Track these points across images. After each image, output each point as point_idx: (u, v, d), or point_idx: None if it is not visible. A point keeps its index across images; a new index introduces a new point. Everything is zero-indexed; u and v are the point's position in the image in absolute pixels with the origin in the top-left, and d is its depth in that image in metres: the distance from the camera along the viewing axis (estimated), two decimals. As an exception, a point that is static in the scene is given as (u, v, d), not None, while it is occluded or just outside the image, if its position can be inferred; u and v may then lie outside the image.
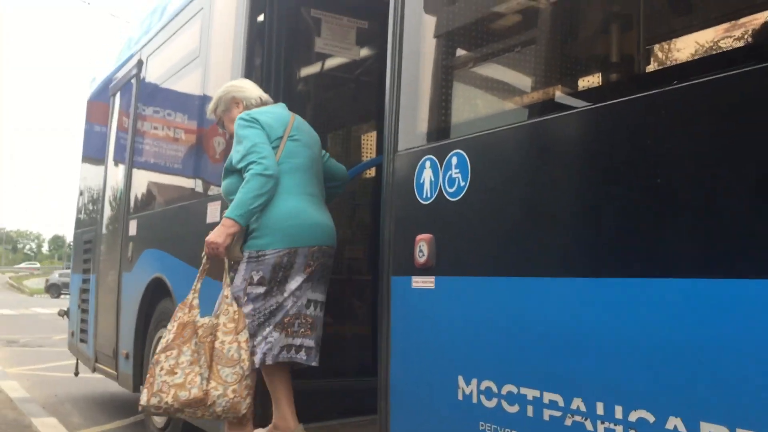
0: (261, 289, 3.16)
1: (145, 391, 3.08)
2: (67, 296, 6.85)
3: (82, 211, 7.52)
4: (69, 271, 7.10)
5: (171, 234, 4.77)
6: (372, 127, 5.02)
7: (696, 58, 2.68)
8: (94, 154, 7.33)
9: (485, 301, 2.18)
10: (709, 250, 1.58)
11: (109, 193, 6.43)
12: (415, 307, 2.47)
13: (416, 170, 2.49)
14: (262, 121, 3.27)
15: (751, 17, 2.12)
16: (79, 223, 7.56)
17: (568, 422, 1.85)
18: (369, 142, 5.15)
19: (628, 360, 1.72)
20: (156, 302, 4.87)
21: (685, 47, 2.83)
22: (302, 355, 3.27)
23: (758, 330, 1.45)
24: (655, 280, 1.68)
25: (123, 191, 5.84)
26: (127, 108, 6.10)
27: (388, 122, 2.67)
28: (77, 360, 6.90)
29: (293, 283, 3.19)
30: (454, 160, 2.33)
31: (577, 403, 1.83)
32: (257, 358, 3.16)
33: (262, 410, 3.64)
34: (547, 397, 1.93)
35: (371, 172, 4.75)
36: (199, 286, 3.25)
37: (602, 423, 1.76)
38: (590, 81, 2.80)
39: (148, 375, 3.10)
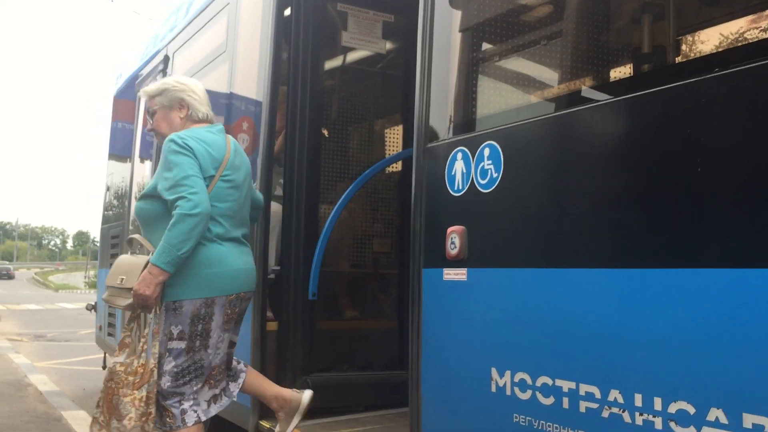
0: (182, 344, 2.95)
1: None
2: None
3: (109, 207, 7.60)
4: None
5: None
6: (396, 121, 5.02)
7: (724, 48, 2.65)
8: (120, 150, 7.40)
9: (518, 293, 2.17)
10: (753, 240, 1.56)
11: (135, 189, 6.49)
12: (446, 299, 2.46)
13: (447, 162, 2.49)
14: (196, 151, 2.96)
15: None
16: (106, 218, 7.63)
17: (606, 414, 1.84)
18: (393, 135, 5.15)
19: (667, 351, 1.70)
20: (183, 296, 4.90)
21: (713, 38, 2.80)
22: (225, 400, 3.24)
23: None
24: (694, 270, 1.67)
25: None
26: (153, 104, 6.14)
27: (419, 115, 2.66)
28: (104, 354, 6.97)
29: (215, 336, 3.03)
30: (487, 152, 2.32)
31: (615, 394, 1.82)
32: (191, 418, 3.00)
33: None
34: (584, 388, 1.91)
35: (396, 167, 4.75)
36: (146, 329, 3.00)
37: (641, 415, 1.74)
38: (621, 71, 2.78)
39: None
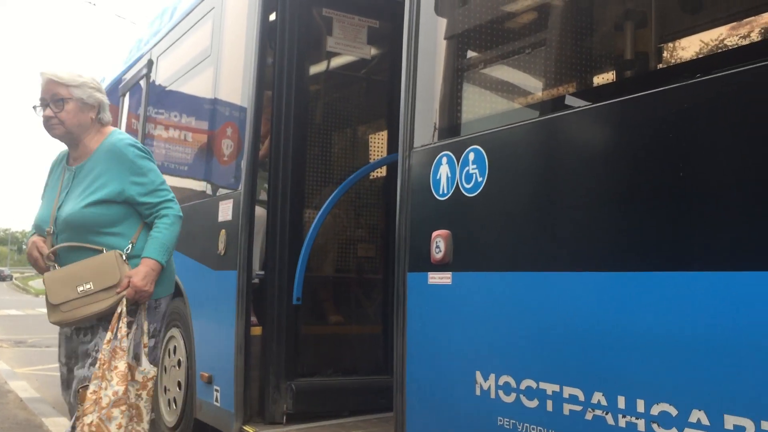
0: (153, 342, 3.01)
1: None
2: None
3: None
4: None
5: (182, 233, 4.76)
6: (381, 126, 5.03)
7: (704, 55, 2.68)
8: (103, 154, 7.34)
9: (503, 296, 2.19)
10: (733, 244, 1.58)
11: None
12: (431, 302, 2.47)
13: (432, 166, 2.50)
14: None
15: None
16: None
17: (589, 416, 1.85)
18: (378, 141, 5.16)
19: (650, 353, 1.72)
20: (167, 301, 4.88)
21: (693, 45, 2.83)
22: None
23: (783, 322, 1.46)
24: (675, 273, 1.69)
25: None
26: (136, 108, 6.12)
27: (404, 119, 2.67)
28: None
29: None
30: (472, 156, 2.34)
31: (598, 397, 1.84)
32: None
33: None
34: (567, 391, 1.93)
35: (381, 172, 4.76)
36: (124, 328, 2.85)
37: (624, 417, 1.76)
38: (605, 77, 2.81)
39: None
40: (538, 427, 2.01)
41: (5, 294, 48.26)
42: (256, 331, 3.93)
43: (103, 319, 2.89)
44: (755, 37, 2.19)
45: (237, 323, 3.79)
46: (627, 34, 2.65)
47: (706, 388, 1.59)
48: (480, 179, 2.30)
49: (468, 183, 2.34)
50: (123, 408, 2.75)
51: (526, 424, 2.05)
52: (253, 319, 3.96)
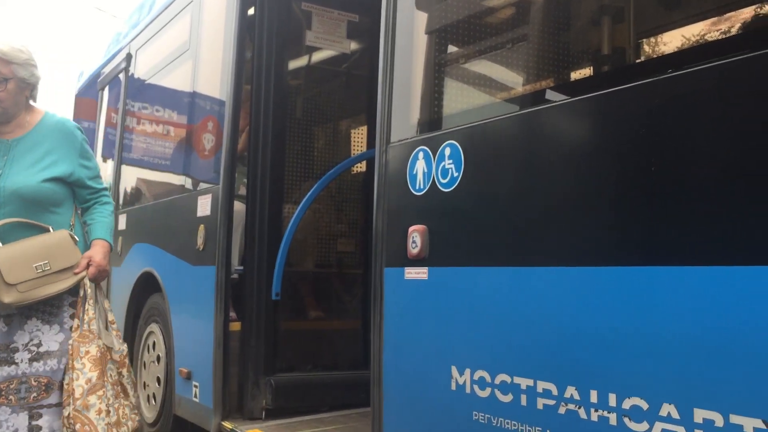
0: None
1: None
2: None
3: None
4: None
5: (161, 228, 4.75)
6: (362, 121, 5.02)
7: (682, 48, 2.70)
8: (82, 149, 7.27)
9: (478, 291, 2.19)
10: (707, 238, 1.59)
11: (97, 188, 6.39)
12: (408, 298, 2.47)
13: (409, 161, 2.49)
14: None
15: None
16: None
17: (562, 410, 1.86)
18: (358, 135, 5.15)
19: (622, 348, 1.73)
20: (145, 297, 4.86)
21: (672, 40, 2.85)
22: None
23: (753, 316, 1.47)
24: (646, 268, 1.69)
25: (112, 186, 5.80)
26: (115, 103, 6.07)
27: (381, 113, 2.67)
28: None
29: None
30: (447, 151, 2.34)
31: (571, 391, 1.84)
32: None
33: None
34: (541, 386, 1.93)
35: (361, 167, 4.75)
36: (92, 311, 2.84)
37: (596, 411, 1.77)
38: (581, 72, 2.82)
39: (80, 424, 2.71)
40: (513, 422, 2.01)
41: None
42: (235, 326, 3.91)
43: (27, 308, 2.76)
44: (734, 31, 2.21)
45: (216, 319, 3.77)
46: (604, 28, 2.66)
47: (677, 383, 1.60)
48: (456, 174, 2.29)
49: (444, 178, 2.34)
50: (100, 393, 2.72)
51: (500, 419, 2.05)
52: (232, 314, 3.94)
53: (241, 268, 4.01)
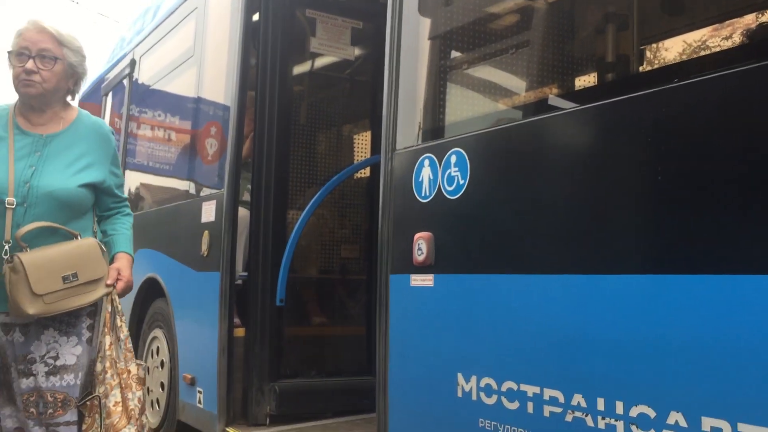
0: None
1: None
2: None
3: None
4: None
5: (165, 234, 4.75)
6: (365, 127, 5.03)
7: (686, 58, 2.71)
8: (85, 154, 7.28)
9: (484, 299, 2.19)
10: (708, 247, 1.60)
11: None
12: (413, 304, 2.47)
13: (415, 168, 2.50)
14: None
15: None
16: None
17: (569, 418, 1.86)
18: (362, 141, 5.16)
19: (629, 356, 1.73)
20: (149, 302, 4.86)
21: (676, 47, 2.85)
22: None
23: (758, 324, 1.47)
24: (652, 276, 1.70)
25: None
26: (119, 108, 6.08)
27: (386, 121, 2.67)
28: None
29: None
30: (453, 158, 2.34)
31: (578, 399, 1.85)
32: None
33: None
34: (548, 393, 1.94)
35: (365, 173, 4.75)
36: (125, 327, 2.74)
37: (603, 419, 1.77)
38: (586, 80, 2.82)
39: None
40: (519, 429, 2.01)
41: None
42: (240, 332, 3.92)
43: (45, 317, 2.55)
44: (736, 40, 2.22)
45: (220, 325, 3.78)
46: (609, 36, 2.67)
47: (685, 391, 1.60)
48: (462, 182, 2.30)
49: (450, 185, 2.35)
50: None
51: (507, 426, 2.05)
52: (237, 320, 3.95)
53: (245, 274, 4.01)
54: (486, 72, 2.69)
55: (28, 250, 2.49)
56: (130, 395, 2.62)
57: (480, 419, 2.15)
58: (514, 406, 2.04)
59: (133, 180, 5.64)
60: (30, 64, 2.57)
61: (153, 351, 4.76)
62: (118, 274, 2.67)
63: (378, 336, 2.63)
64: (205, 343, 3.93)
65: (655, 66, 2.86)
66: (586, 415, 1.82)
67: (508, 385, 2.07)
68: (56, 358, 2.58)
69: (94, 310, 2.69)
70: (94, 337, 2.68)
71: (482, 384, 2.16)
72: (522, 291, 2.06)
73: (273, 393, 3.79)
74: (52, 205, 2.56)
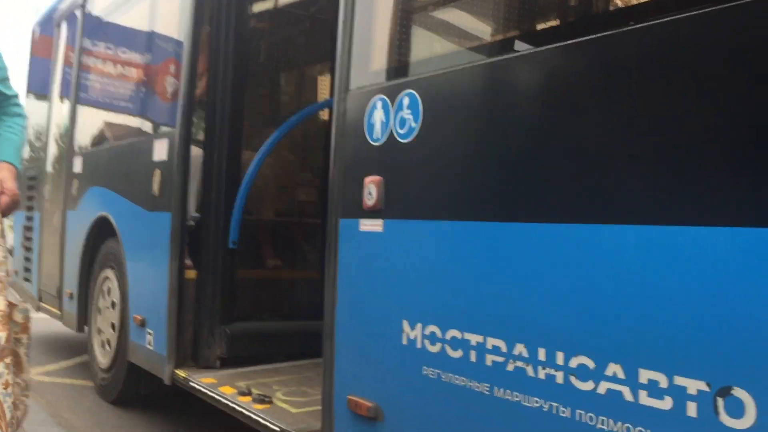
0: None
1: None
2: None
3: (26, 147, 7.27)
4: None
5: (117, 172, 4.63)
6: (328, 68, 4.90)
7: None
8: (38, 88, 7.05)
9: (432, 245, 2.14)
10: (655, 196, 1.56)
11: (54, 130, 6.22)
12: (362, 250, 2.42)
13: (367, 110, 2.42)
14: None
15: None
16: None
17: (510, 367, 1.84)
18: (325, 82, 5.04)
19: (571, 307, 1.70)
20: (101, 241, 4.76)
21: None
22: None
23: (702, 279, 1.44)
24: (599, 226, 1.66)
25: (68, 127, 5.63)
26: (72, 40, 5.85)
27: (340, 59, 2.58)
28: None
29: None
30: (406, 101, 2.26)
31: (520, 348, 1.82)
32: None
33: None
34: (491, 342, 1.91)
35: (325, 114, 4.65)
36: (2, 253, 2.29)
37: (543, 369, 1.75)
38: (544, 23, 2.74)
39: None
40: (462, 377, 1.99)
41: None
42: (191, 274, 3.84)
43: None
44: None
45: (170, 266, 3.71)
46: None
47: (624, 343, 1.58)
48: (414, 125, 2.23)
49: (402, 128, 2.27)
50: (8, 360, 2.12)
51: (450, 374, 2.03)
52: (188, 262, 3.87)
53: (198, 215, 3.92)
54: (442, 12, 2.59)
55: None
56: None
57: (424, 367, 2.12)
58: (457, 354, 2.01)
59: (85, 116, 5.46)
60: None
61: (104, 291, 4.68)
62: (3, 187, 2.32)
63: (326, 281, 2.59)
64: (155, 284, 3.86)
65: (613, 9, 2.79)
66: (528, 365, 1.79)
67: (452, 333, 2.04)
68: None
69: None
70: None
71: (427, 332, 2.13)
72: (469, 238, 2.01)
73: (224, 336, 3.75)
74: None
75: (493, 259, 1.94)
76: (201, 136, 4.10)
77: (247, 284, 4.03)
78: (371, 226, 2.38)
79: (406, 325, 2.21)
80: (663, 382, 1.49)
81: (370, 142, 2.40)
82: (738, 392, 1.37)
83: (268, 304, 4.04)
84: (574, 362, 1.68)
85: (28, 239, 6.57)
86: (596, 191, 1.68)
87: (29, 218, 6.58)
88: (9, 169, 2.41)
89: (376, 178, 2.36)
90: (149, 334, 3.92)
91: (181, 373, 3.63)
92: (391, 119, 2.32)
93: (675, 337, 1.47)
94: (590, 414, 1.63)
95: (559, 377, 1.71)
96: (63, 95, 6.05)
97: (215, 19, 3.89)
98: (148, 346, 3.92)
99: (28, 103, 7.43)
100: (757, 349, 1.34)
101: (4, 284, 2.19)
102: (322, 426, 2.57)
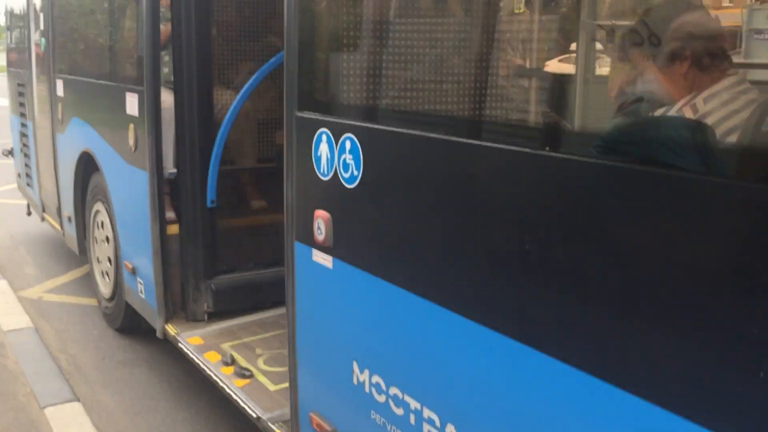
0: None
1: None
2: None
3: (13, 48, 7.10)
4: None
5: (97, 111, 4.57)
6: None
7: None
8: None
9: (373, 300, 2.17)
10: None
11: (35, 38, 6.04)
12: (316, 280, 2.45)
13: (314, 141, 2.35)
14: None
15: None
16: (10, 62, 7.18)
17: (443, 445, 1.93)
18: None
19: (498, 392, 1.75)
20: (89, 173, 4.79)
21: None
22: None
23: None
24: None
25: (47, 45, 5.47)
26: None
27: (288, 78, 2.46)
28: (27, 202, 6.88)
29: None
30: (348, 145, 2.19)
31: (450, 429, 1.90)
32: None
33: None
34: (427, 413, 1.99)
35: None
36: None
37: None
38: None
39: None
40: (404, 435, 2.09)
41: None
42: (173, 229, 3.90)
43: None
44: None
45: (152, 226, 3.76)
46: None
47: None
48: (356, 173, 2.17)
49: (346, 172, 2.22)
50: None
51: (394, 427, 2.13)
52: (171, 215, 3.91)
53: (175, 171, 3.91)
54: (396, 57, 2.42)
55: None
56: None
57: (372, 411, 2.22)
58: (399, 412, 2.10)
59: (63, 36, 5.29)
60: None
61: (99, 224, 4.78)
62: None
63: (286, 294, 2.63)
64: (139, 238, 3.94)
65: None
66: (457, 447, 1.88)
67: (394, 390, 2.11)
68: None
69: None
70: None
71: (373, 380, 2.20)
72: (401, 304, 2.02)
73: (209, 291, 3.88)
74: None
75: (424, 334, 1.97)
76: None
77: (230, 235, 4.07)
78: (323, 259, 2.39)
79: (356, 366, 2.28)
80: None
81: (319, 175, 2.35)
82: None
83: (251, 254, 4.10)
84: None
85: (25, 145, 6.59)
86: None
87: (24, 125, 6.57)
88: None
89: (325, 213, 2.34)
90: (140, 283, 4.06)
91: (171, 329, 3.79)
92: (335, 159, 2.26)
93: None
94: None
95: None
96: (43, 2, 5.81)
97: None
98: (141, 295, 4.07)
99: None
100: None
101: None
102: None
